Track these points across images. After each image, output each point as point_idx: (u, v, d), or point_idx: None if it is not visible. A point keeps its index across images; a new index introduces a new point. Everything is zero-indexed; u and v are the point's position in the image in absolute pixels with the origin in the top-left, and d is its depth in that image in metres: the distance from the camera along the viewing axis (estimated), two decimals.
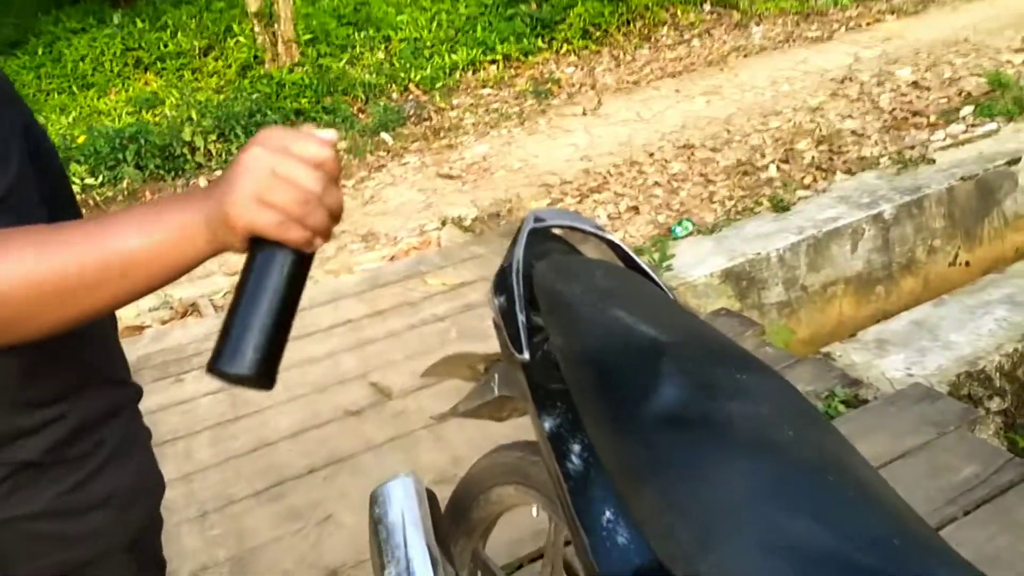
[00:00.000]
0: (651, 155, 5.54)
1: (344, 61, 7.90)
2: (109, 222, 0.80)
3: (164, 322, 4.06)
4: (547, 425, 1.19)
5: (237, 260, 0.82)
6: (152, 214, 0.80)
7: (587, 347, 1.16)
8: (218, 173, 6.39)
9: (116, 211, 0.88)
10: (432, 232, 4.82)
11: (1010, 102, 5.40)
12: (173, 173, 6.41)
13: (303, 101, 6.91)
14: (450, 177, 5.78)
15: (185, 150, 6.44)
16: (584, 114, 6.60)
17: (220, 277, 4.57)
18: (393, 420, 2.92)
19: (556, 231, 1.63)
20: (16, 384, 0.95)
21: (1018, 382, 3.28)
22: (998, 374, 3.20)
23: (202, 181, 6.27)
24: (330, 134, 0.85)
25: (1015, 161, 4.72)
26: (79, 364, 1.01)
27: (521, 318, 1.28)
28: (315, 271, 4.60)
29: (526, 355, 1.25)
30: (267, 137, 0.80)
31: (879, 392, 2.84)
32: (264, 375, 0.83)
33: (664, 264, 3.91)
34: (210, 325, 3.88)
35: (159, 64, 8.66)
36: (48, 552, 1.02)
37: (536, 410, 1.22)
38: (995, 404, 3.17)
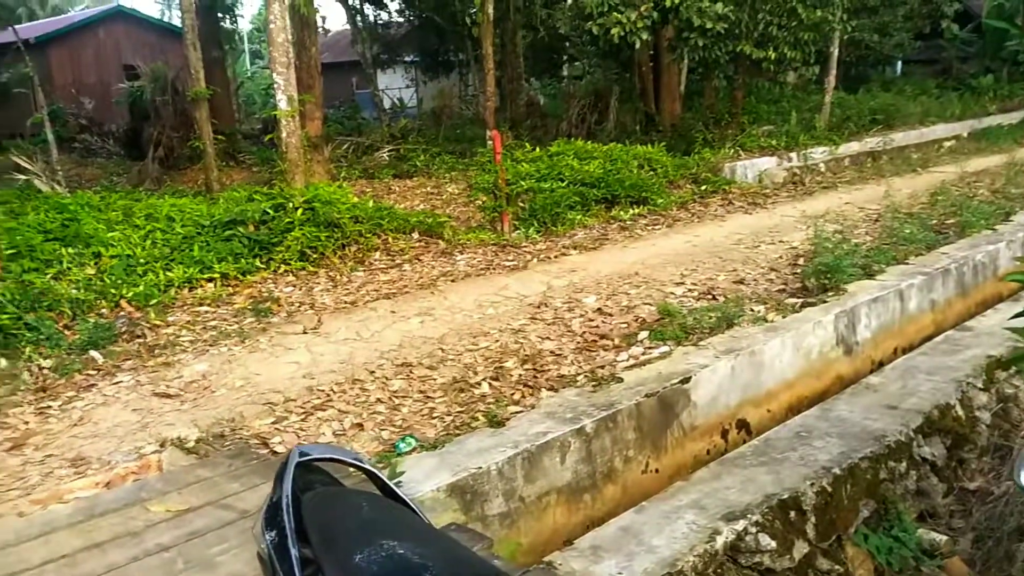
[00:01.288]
0: (372, 373, 5.80)
1: (50, 276, 7.59)
2: None
3: None
4: None
5: None
6: None
7: None
8: None
9: None
10: (152, 455, 4.67)
11: (677, 328, 6.29)
12: None
13: (3, 317, 6.53)
14: (168, 396, 5.65)
15: None
16: (305, 332, 6.79)
17: None
18: None
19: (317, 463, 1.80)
20: None
21: None
22: (693, 574, 3.62)
23: None
24: None
25: (687, 380, 5.45)
26: None
27: (294, 552, 1.42)
28: (19, 501, 4.30)
29: None
30: None
31: None
32: None
33: (394, 480, 4.07)
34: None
35: None
36: None
37: None
38: None
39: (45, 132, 15.18)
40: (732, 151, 14.73)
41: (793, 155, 14.63)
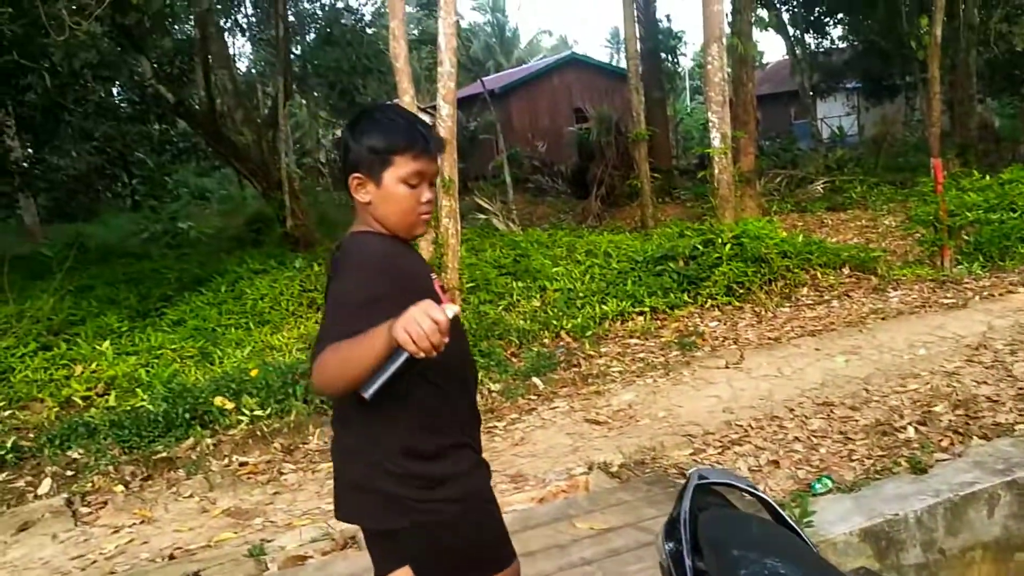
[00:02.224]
0: (791, 410, 5.82)
1: (501, 308, 8.65)
2: (360, 341, 1.84)
3: (325, 553, 4.30)
4: None
5: None
6: (374, 334, 1.83)
7: None
8: None
9: (361, 336, 1.87)
10: (579, 476, 5.15)
11: None
12: None
13: None
14: (597, 422, 6.16)
15: None
16: (727, 367, 6.99)
17: None
18: None
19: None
20: (404, 431, 2.14)
21: None
22: None
23: None
24: (452, 309, 1.81)
25: None
26: (430, 429, 2.17)
27: (688, 563, 1.64)
28: None
29: None
30: (420, 304, 1.78)
31: None
32: (374, 398, 1.83)
33: (804, 519, 4.12)
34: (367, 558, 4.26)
35: None
36: (412, 510, 2.17)
37: None
38: None
39: (503, 174, 17.19)
40: None
41: None
